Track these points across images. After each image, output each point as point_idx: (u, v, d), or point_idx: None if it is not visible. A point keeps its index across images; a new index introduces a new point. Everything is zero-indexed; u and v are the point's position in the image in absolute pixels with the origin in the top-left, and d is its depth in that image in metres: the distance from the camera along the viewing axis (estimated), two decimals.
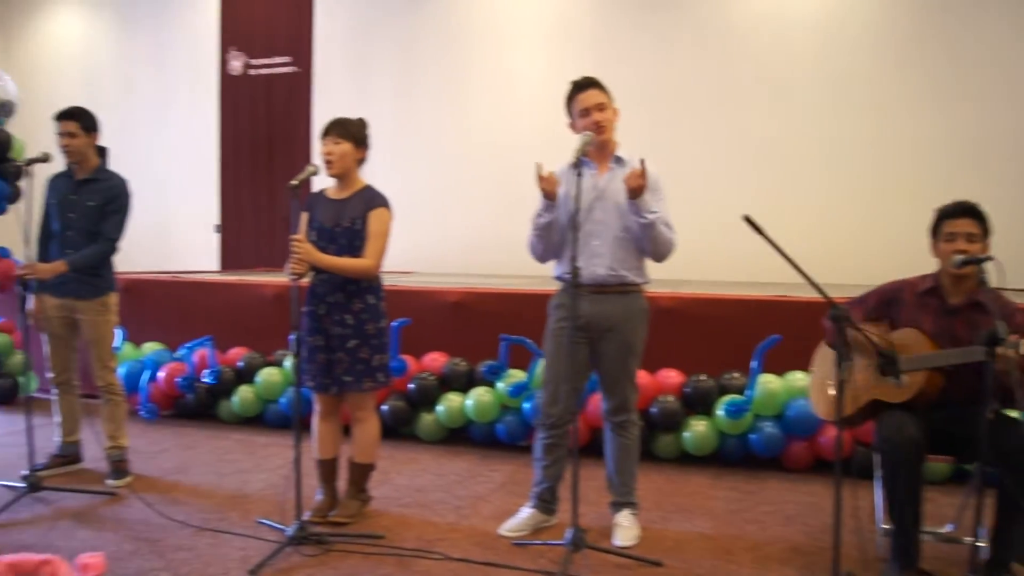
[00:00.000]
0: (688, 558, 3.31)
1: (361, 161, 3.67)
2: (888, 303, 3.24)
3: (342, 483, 3.81)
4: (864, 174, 8.03)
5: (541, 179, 3.30)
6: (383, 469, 4.35)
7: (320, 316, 3.58)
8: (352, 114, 3.71)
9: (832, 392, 3.10)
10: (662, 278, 4.32)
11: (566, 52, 9.16)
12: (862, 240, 7.92)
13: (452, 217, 9.62)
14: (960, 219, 3.07)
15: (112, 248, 4.21)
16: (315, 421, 3.76)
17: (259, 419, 5.59)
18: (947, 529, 3.46)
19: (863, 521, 3.35)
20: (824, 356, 3.37)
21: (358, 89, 10.06)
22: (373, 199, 3.61)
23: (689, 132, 8.60)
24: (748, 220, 2.64)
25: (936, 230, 3.15)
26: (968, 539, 3.07)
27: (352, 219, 3.56)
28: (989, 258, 2.90)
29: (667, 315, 4.71)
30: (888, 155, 7.95)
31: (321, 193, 3.71)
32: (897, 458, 2.92)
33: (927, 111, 7.78)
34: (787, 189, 8.20)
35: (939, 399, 3.04)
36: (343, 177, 3.62)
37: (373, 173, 3.80)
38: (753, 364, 4.44)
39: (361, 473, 3.77)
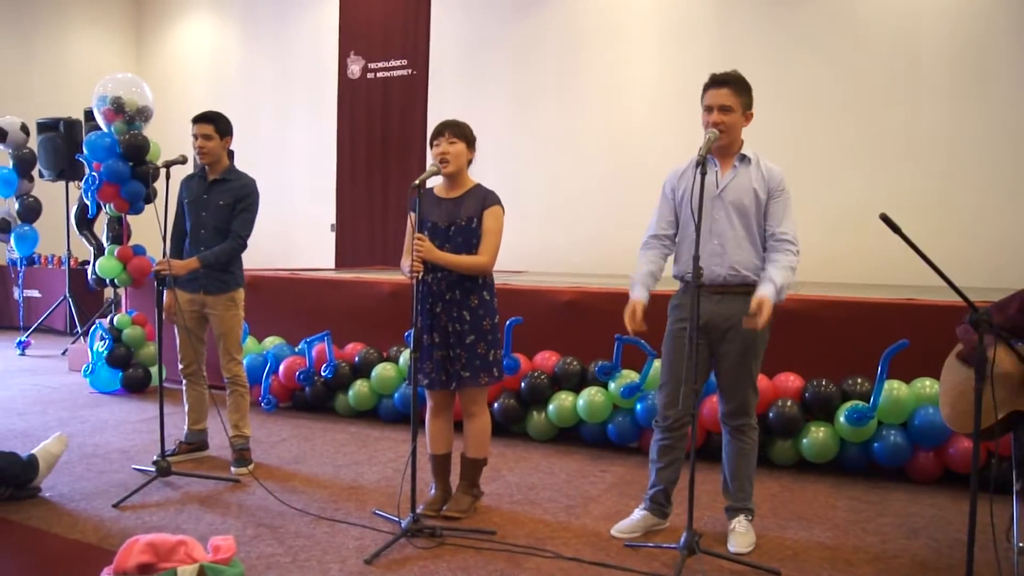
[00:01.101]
0: (806, 568, 3.20)
1: (470, 161, 3.71)
2: None
3: (454, 479, 3.86)
4: (1004, 171, 7.63)
5: (632, 319, 3.34)
6: (494, 466, 4.37)
7: (436, 314, 3.63)
8: (466, 116, 3.75)
9: (967, 401, 2.92)
10: None
11: (680, 52, 9.05)
12: (996, 241, 7.53)
13: (564, 217, 9.63)
14: None
15: (241, 245, 4.40)
16: (428, 417, 3.82)
17: (373, 413, 5.71)
18: None
19: (998, 538, 3.16)
20: (957, 363, 3.18)
21: (472, 91, 10.20)
22: (487, 197, 3.64)
23: (811, 131, 8.36)
24: (884, 218, 2.51)
25: None
26: None
27: (468, 218, 3.59)
28: None
29: (787, 317, 4.55)
30: None
31: (429, 192, 3.74)
32: None
33: None
34: (915, 188, 7.87)
35: None
36: (455, 176, 3.65)
37: (486, 173, 3.83)
38: (879, 369, 4.25)
39: (474, 468, 3.80)
